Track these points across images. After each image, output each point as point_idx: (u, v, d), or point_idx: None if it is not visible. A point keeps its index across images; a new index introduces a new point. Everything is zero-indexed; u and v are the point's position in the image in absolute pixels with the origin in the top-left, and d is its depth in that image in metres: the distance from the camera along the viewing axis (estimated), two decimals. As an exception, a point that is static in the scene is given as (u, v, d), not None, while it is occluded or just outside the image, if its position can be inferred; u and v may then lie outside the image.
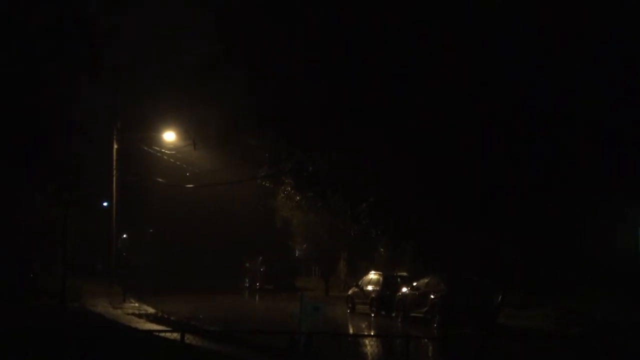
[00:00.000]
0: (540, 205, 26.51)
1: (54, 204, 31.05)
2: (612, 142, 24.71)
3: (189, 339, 14.42)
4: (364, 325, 32.01)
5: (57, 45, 26.74)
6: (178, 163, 48.34)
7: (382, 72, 24.72)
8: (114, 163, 46.22)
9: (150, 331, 21.85)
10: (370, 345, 22.03)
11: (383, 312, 35.07)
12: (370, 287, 36.57)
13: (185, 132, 44.75)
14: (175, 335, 15.62)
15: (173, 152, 47.69)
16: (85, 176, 33.65)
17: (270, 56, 26.61)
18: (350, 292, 38.53)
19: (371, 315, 35.24)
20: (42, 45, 26.52)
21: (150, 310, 33.61)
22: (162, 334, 19.26)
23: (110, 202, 47.95)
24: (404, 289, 33.43)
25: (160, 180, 50.15)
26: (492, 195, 26.37)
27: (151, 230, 67.71)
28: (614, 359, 22.08)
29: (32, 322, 25.37)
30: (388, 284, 35.71)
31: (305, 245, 55.75)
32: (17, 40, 25.88)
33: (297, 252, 59.82)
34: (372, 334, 29.09)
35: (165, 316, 31.03)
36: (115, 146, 46.20)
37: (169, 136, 47.21)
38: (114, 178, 46.10)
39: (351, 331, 30.24)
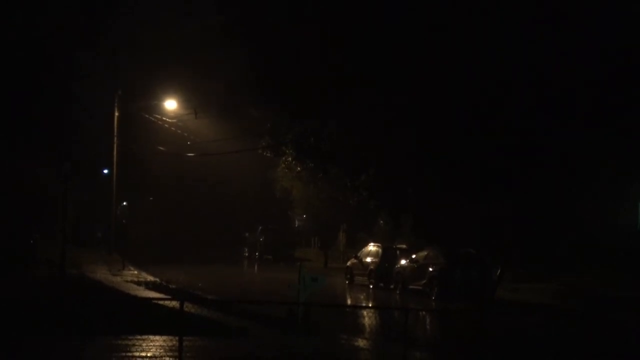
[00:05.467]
0: (540, 181, 26.53)
1: (55, 173, 31.01)
2: (612, 121, 24.70)
3: (188, 307, 14.43)
4: (362, 297, 32.08)
5: (57, 15, 26.57)
6: (179, 132, 48.18)
7: (384, 44, 24.66)
8: (115, 131, 46.07)
9: (150, 299, 21.88)
10: (368, 317, 22.08)
11: (381, 284, 35.14)
12: (369, 259, 36.59)
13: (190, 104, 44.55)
14: (175, 304, 15.63)
15: (174, 120, 47.52)
16: (86, 145, 33.64)
17: (272, 29, 26.54)
18: (349, 263, 38.55)
19: (369, 287, 35.31)
20: (42, 16, 26.34)
21: (150, 278, 33.69)
22: (162, 302, 19.30)
23: (110, 169, 47.87)
24: (403, 262, 33.48)
25: (161, 148, 50.04)
26: (492, 170, 26.38)
27: (151, 199, 67.70)
28: (611, 333, 22.15)
29: (30, 288, 25.44)
30: (387, 256, 35.72)
31: (304, 216, 55.78)
32: (18, 10, 25.69)
33: (296, 223, 59.88)
34: (370, 305, 29.16)
35: (165, 284, 31.10)
36: (117, 113, 46.02)
37: (171, 104, 46.99)
38: (115, 146, 45.98)
39: (349, 302, 30.32)
